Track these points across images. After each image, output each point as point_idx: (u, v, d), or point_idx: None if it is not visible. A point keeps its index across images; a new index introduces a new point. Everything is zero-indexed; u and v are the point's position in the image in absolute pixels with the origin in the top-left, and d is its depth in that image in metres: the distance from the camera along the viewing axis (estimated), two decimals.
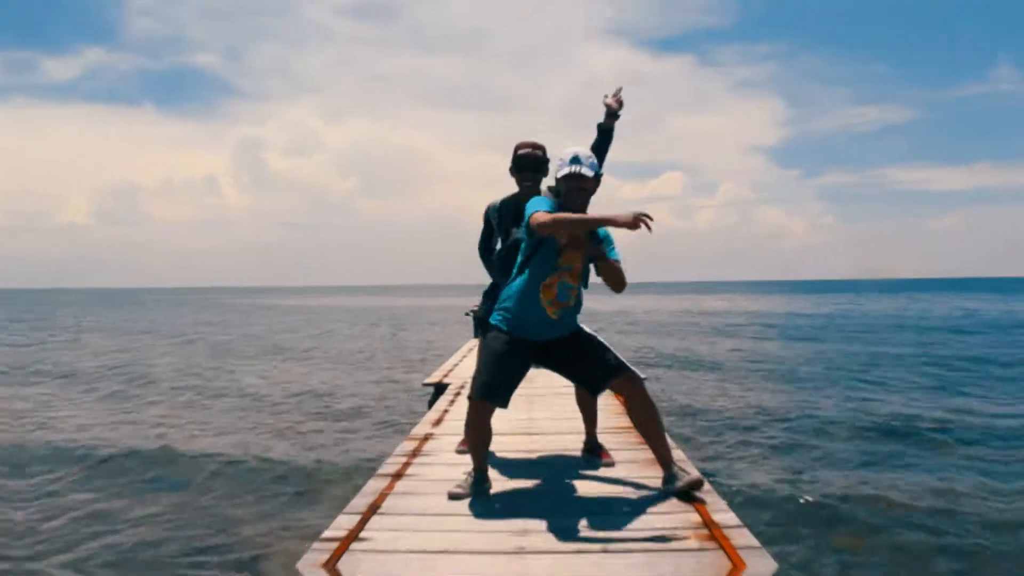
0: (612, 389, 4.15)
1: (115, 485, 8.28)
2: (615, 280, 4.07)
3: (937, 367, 18.45)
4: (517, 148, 4.80)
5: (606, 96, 4.87)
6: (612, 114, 4.85)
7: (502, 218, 4.94)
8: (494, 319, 4.15)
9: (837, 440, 10.13)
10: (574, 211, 3.90)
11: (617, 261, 4.04)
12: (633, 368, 4.13)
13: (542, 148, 4.82)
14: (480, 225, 5.12)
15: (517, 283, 4.09)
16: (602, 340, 4.23)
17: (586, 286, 4.24)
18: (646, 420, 4.09)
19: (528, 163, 4.76)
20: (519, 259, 4.13)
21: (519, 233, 4.58)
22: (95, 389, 16.47)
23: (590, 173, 3.92)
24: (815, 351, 23.11)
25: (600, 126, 4.86)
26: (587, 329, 4.29)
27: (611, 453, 4.95)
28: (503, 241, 4.98)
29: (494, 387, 4.00)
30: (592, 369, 4.12)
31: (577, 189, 3.92)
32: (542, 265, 4.01)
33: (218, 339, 32.39)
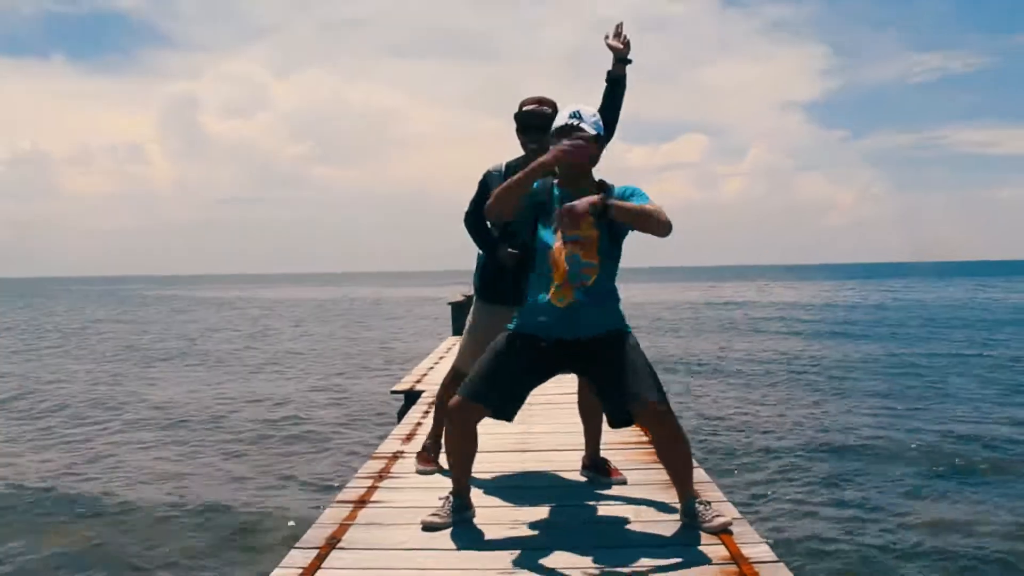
0: (637, 422, 4.02)
1: None
2: (647, 222, 3.80)
3: (1009, 371, 18.56)
4: (522, 105, 4.83)
5: (607, 37, 4.83)
6: (621, 59, 4.82)
7: None
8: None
9: (886, 461, 10.18)
10: (569, 180, 3.91)
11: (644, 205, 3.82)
12: (667, 399, 3.91)
13: (551, 104, 4.80)
14: (470, 193, 5.06)
15: (532, 275, 4.06)
16: (642, 355, 3.99)
17: (615, 258, 4.01)
18: (674, 460, 3.98)
19: (534, 121, 4.76)
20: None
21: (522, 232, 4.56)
22: None
23: (591, 131, 3.89)
24: (860, 351, 23.25)
25: (609, 75, 4.83)
26: (634, 338, 4.05)
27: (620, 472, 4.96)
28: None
29: (484, 388, 3.94)
30: (616, 391, 3.92)
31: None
32: (544, 242, 3.92)
33: (133, 339, 32.28)
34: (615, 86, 4.83)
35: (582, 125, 3.88)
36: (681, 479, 3.99)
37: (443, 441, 4.26)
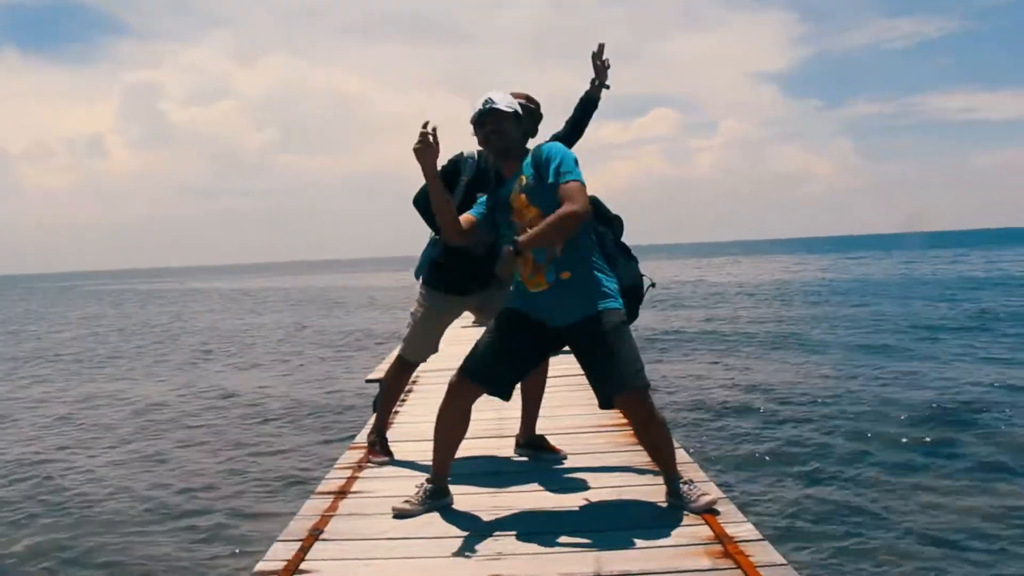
0: (616, 406, 4.02)
1: None
2: (556, 236, 3.79)
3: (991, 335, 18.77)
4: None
5: (594, 56, 4.93)
6: (601, 83, 4.96)
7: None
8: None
9: (873, 434, 10.20)
10: (500, 159, 4.06)
11: (573, 183, 3.80)
12: (646, 382, 3.93)
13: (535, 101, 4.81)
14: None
15: None
16: (626, 337, 3.96)
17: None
18: (653, 442, 4.05)
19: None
20: None
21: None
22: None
23: (506, 109, 3.95)
24: (837, 325, 23.41)
25: (587, 94, 4.98)
26: (615, 317, 3.95)
27: (600, 457, 5.04)
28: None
29: (488, 367, 4.00)
30: (595, 378, 3.98)
31: (493, 132, 3.97)
32: (507, 229, 4.01)
33: (95, 333, 32.08)
34: (589, 106, 4.99)
35: (496, 106, 3.94)
36: (663, 460, 4.05)
37: (437, 421, 4.17)
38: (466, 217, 4.05)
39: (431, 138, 3.79)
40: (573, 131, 5.01)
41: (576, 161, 3.89)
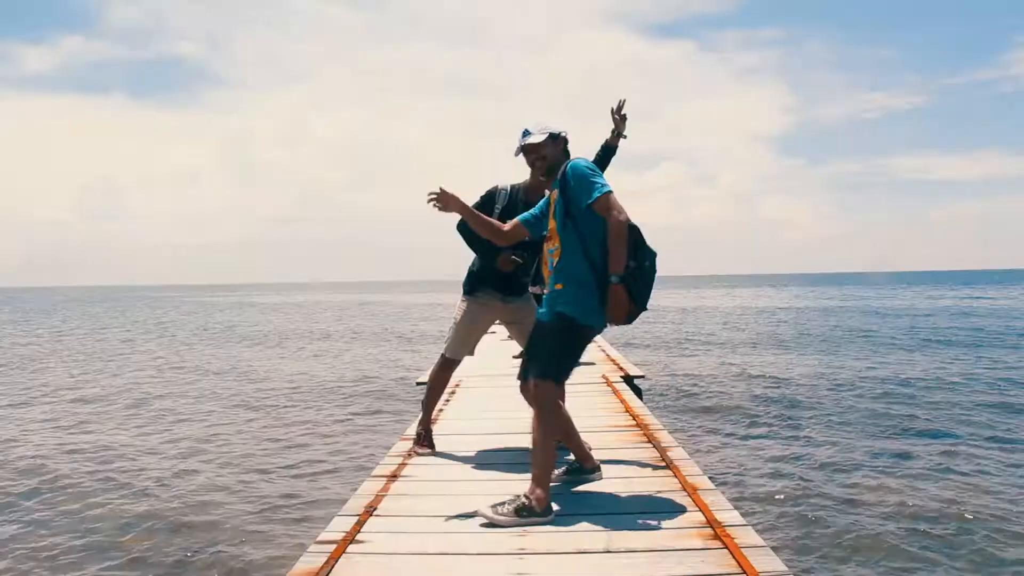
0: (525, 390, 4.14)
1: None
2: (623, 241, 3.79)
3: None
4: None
5: (614, 110, 4.94)
6: (619, 134, 4.97)
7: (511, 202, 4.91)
8: None
9: (850, 438, 10.10)
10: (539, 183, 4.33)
11: (606, 194, 3.79)
12: (540, 379, 3.85)
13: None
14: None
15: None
16: (547, 335, 3.95)
17: (576, 237, 3.87)
18: (537, 435, 3.88)
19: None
20: None
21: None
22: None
23: (540, 138, 4.03)
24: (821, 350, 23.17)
25: (606, 143, 4.97)
26: (543, 315, 4.04)
27: (613, 452, 5.02)
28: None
29: (566, 370, 3.97)
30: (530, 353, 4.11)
31: (538, 159, 4.09)
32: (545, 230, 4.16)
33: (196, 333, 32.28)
34: (608, 153, 4.97)
35: (529, 141, 4.05)
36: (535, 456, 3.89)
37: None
38: (512, 222, 4.30)
39: (438, 197, 4.10)
40: None
41: (593, 171, 3.89)
